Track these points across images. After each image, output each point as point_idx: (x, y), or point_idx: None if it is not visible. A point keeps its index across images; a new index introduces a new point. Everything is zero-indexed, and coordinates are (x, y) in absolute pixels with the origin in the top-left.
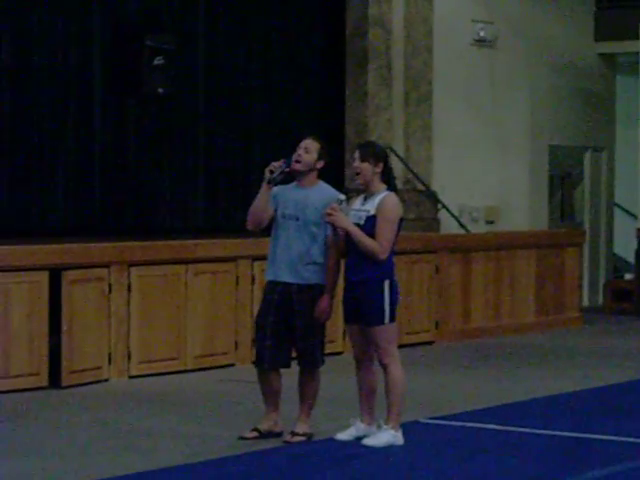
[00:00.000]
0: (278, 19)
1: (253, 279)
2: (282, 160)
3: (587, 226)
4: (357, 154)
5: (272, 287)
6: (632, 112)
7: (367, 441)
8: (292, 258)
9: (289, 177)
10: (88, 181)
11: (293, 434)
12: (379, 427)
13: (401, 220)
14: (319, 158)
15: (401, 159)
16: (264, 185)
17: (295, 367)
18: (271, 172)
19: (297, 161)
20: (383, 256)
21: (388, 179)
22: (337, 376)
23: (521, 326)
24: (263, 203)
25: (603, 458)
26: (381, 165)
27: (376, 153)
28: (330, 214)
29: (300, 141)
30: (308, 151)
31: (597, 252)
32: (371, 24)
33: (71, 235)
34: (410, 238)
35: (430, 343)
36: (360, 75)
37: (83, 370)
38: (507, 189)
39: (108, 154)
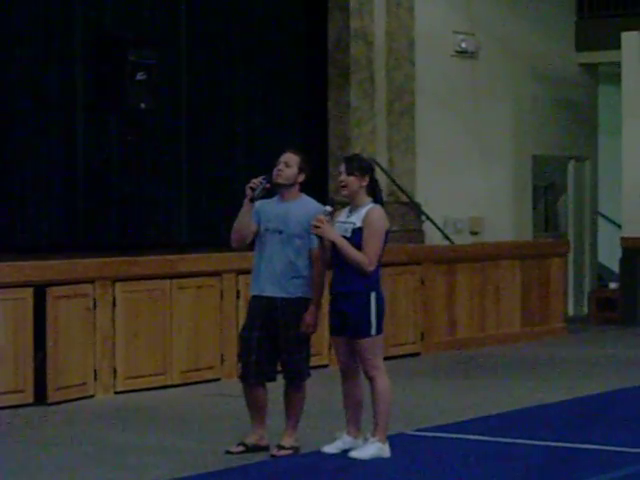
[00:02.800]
0: (260, 32)
1: (238, 293)
2: (262, 177)
3: (571, 236)
4: (343, 167)
5: (257, 301)
6: (614, 121)
7: (354, 454)
8: (276, 272)
9: (270, 192)
10: (71, 197)
11: (279, 448)
12: (366, 440)
13: (387, 232)
14: (300, 171)
15: (385, 171)
16: (246, 202)
17: (281, 380)
18: (252, 189)
19: (279, 176)
20: (371, 268)
21: (374, 192)
22: (323, 389)
23: (506, 336)
24: (246, 220)
25: (589, 468)
26: (367, 178)
27: (362, 166)
28: (317, 226)
29: (280, 155)
30: (288, 165)
31: (582, 262)
32: (353, 37)
33: (55, 251)
34: (395, 250)
35: (416, 355)
36: (342, 87)
37: (68, 386)
38: (491, 200)
39: (91, 169)
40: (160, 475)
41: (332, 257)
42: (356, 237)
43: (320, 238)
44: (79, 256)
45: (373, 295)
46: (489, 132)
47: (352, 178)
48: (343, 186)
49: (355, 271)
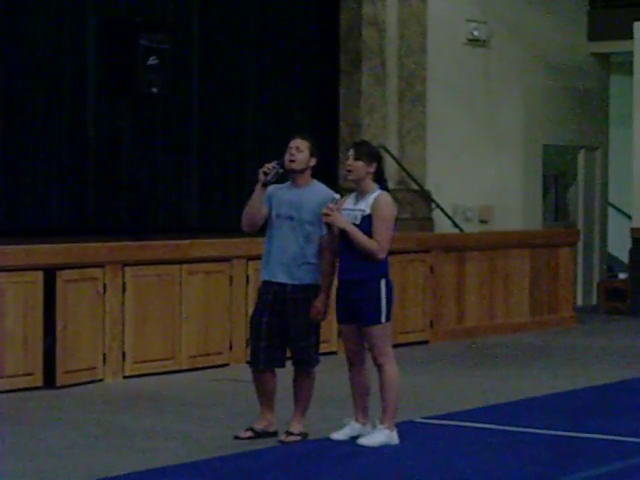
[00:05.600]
0: (272, 18)
1: (247, 279)
2: (275, 161)
3: (581, 226)
4: (351, 152)
5: (267, 287)
6: (626, 111)
7: (362, 441)
8: (287, 258)
9: (283, 177)
10: (82, 181)
11: (288, 434)
12: (374, 427)
13: (395, 220)
14: (311, 155)
15: (395, 158)
16: (258, 187)
17: (290, 367)
18: (265, 174)
19: (291, 161)
20: (382, 255)
21: (380, 180)
22: (332, 376)
23: (515, 325)
24: (257, 204)
25: (597, 457)
26: (374, 165)
27: (370, 153)
28: (328, 214)
29: (290, 141)
30: (300, 150)
31: (591, 251)
32: (365, 24)
33: (66, 235)
34: (404, 238)
35: (424, 342)
36: (354, 74)
37: (78, 370)
38: (501, 188)
39: (102, 154)
40: (168, 459)
41: (341, 245)
42: (365, 224)
43: (328, 225)
44: (89, 240)
45: (383, 282)
46: (500, 121)
47: (359, 163)
48: (349, 171)
49: (364, 258)
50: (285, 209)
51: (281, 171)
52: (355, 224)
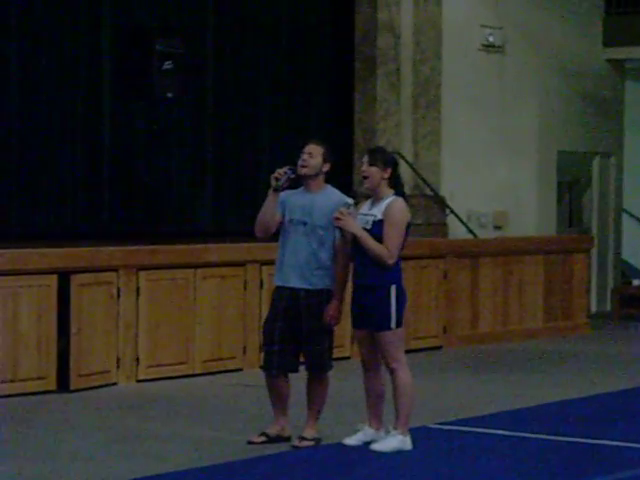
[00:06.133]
0: (287, 23)
1: (261, 283)
2: (287, 167)
3: (595, 232)
4: (366, 158)
5: (280, 292)
6: None
7: (375, 446)
8: (300, 263)
9: (295, 183)
10: (97, 185)
11: (301, 439)
12: (387, 432)
13: (409, 225)
14: (324, 161)
15: (409, 164)
16: (270, 192)
17: (303, 372)
18: (277, 179)
19: (303, 166)
20: (391, 261)
21: (396, 186)
22: (345, 381)
23: (529, 332)
24: (270, 210)
25: (611, 464)
26: (389, 171)
27: (385, 158)
28: (339, 218)
29: (304, 146)
30: (313, 156)
31: (605, 258)
32: (380, 29)
33: (80, 239)
34: (418, 243)
35: (438, 348)
36: (369, 80)
37: (91, 374)
38: (515, 194)
39: (117, 158)
40: (181, 464)
41: (353, 250)
42: (376, 229)
43: (341, 230)
44: (103, 244)
45: (393, 288)
46: (515, 126)
47: (374, 169)
48: (365, 177)
49: (375, 264)
50: (298, 214)
51: (293, 176)
52: (366, 229)
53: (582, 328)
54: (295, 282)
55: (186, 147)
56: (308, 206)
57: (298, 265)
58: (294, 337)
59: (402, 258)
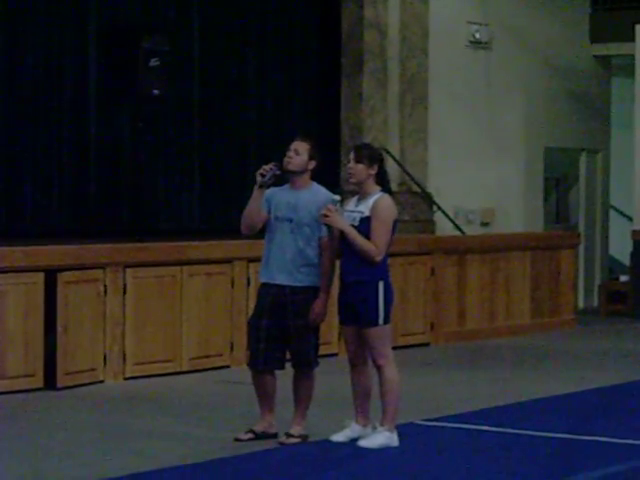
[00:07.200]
0: (273, 21)
1: (248, 281)
2: (272, 163)
3: (582, 228)
4: (352, 155)
5: (266, 289)
6: (627, 114)
7: (362, 442)
8: (286, 260)
9: (281, 180)
10: (83, 182)
11: (288, 435)
12: (374, 429)
13: (396, 222)
14: (310, 158)
15: (396, 161)
16: (256, 189)
17: (290, 368)
18: (262, 175)
19: (289, 162)
20: (379, 257)
21: (382, 182)
22: (332, 377)
23: (516, 328)
24: (256, 207)
25: (599, 460)
26: (375, 167)
27: (371, 155)
28: (326, 215)
29: (291, 143)
30: (298, 152)
31: (592, 254)
32: (366, 26)
33: (66, 236)
34: (405, 240)
35: (425, 345)
36: (355, 77)
37: (78, 372)
38: (502, 191)
39: (103, 155)
40: (168, 461)
41: (340, 246)
42: (364, 226)
43: (329, 227)
44: (90, 242)
45: (381, 284)
46: (501, 123)
47: (360, 166)
48: (351, 174)
49: (363, 260)
50: (283, 211)
51: (278, 173)
52: (354, 225)
53: (569, 324)
54: (281, 279)
55: (172, 144)
56: (293, 203)
57: (284, 262)
58: (280, 334)
59: (389, 255)
